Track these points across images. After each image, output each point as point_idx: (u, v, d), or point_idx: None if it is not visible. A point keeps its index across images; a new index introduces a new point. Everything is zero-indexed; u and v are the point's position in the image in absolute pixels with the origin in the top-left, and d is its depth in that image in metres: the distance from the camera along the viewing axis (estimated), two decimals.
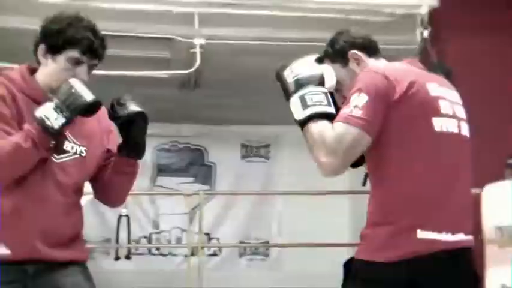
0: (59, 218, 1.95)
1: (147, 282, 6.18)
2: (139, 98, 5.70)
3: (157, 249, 6.60)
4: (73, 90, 1.86)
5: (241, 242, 6.67)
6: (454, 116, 1.86)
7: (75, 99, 1.86)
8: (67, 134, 1.96)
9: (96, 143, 2.04)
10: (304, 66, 1.88)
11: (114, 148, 2.07)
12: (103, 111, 2.00)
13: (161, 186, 6.71)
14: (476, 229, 3.27)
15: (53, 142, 1.90)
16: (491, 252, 3.20)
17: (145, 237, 6.61)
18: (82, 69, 1.94)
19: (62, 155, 1.96)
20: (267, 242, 6.70)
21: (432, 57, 3.46)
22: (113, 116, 1.98)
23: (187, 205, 5.54)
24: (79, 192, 2.06)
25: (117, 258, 6.44)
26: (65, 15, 1.97)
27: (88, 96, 1.87)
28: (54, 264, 1.95)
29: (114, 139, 2.09)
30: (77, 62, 1.94)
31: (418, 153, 1.78)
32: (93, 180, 2.09)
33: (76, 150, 1.99)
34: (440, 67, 3.34)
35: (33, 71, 2.01)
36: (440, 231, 1.75)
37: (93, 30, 1.96)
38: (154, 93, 5.66)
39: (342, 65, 1.96)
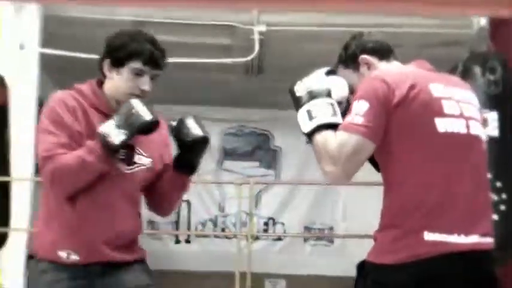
0: (123, 224, 2.09)
1: (211, 264, 6.31)
2: (205, 84, 5.84)
3: (223, 230, 6.73)
4: (133, 110, 1.99)
5: (306, 227, 6.69)
6: (461, 116, 1.82)
7: (135, 119, 1.98)
8: (136, 146, 2.09)
9: (158, 154, 2.18)
10: (313, 80, 1.91)
11: (170, 162, 2.20)
12: (162, 124, 2.13)
13: (227, 170, 6.82)
14: None
15: (122, 155, 2.04)
16: None
17: (210, 220, 6.75)
18: (145, 80, 2.07)
19: (131, 166, 2.09)
20: (332, 228, 6.69)
21: (489, 47, 3.33)
22: (175, 136, 2.11)
23: (250, 190, 5.61)
24: (140, 200, 2.21)
25: (177, 241, 6.62)
26: (126, 30, 2.14)
27: (147, 116, 1.99)
28: (116, 264, 2.09)
29: (171, 153, 2.22)
30: (139, 73, 2.06)
31: (422, 156, 1.77)
32: (147, 190, 2.21)
33: (144, 161, 2.12)
34: (496, 59, 3.22)
35: (101, 84, 2.14)
36: (449, 232, 1.73)
37: (154, 42, 2.08)
38: (220, 78, 5.77)
39: (354, 69, 1.99)
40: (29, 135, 4.34)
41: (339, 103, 1.91)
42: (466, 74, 3.01)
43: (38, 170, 2.16)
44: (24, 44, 4.39)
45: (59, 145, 1.99)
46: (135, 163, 2.09)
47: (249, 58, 4.61)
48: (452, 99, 1.83)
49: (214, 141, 6.88)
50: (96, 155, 1.97)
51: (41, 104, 5.20)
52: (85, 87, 2.12)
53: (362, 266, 1.84)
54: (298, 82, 1.93)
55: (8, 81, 4.04)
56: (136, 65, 2.05)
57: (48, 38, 4.53)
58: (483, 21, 3.86)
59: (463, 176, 1.79)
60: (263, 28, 4.48)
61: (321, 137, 1.82)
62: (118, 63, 2.06)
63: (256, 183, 6.15)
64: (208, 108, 6.55)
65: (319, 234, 6.73)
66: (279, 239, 6.74)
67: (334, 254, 6.59)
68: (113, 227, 2.06)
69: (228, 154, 6.87)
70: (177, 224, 6.64)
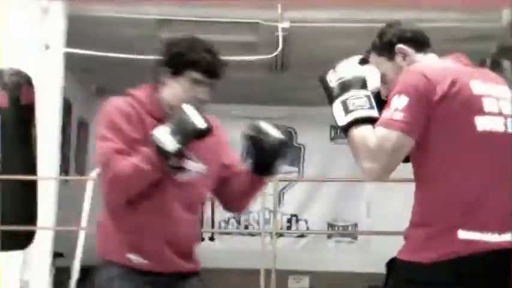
0: (182, 233, 2.10)
1: (235, 261, 6.32)
2: (230, 81, 5.83)
3: (246, 228, 6.73)
4: (186, 117, 1.99)
5: (329, 224, 6.67)
6: (499, 114, 1.78)
7: (188, 126, 1.99)
8: (190, 153, 2.10)
9: (213, 158, 2.17)
10: (346, 69, 1.84)
11: (231, 161, 2.21)
12: (216, 127, 2.14)
13: None
14: None
15: (175, 163, 2.05)
16: None
17: (233, 217, 6.75)
18: (203, 89, 2.07)
19: (185, 174, 2.10)
20: (355, 225, 6.66)
21: None
22: (254, 143, 2.10)
23: (274, 187, 5.61)
24: (200, 208, 2.23)
25: (201, 239, 6.63)
26: (184, 38, 2.14)
27: (200, 123, 1.99)
28: (179, 275, 2.11)
29: (229, 151, 2.23)
30: (198, 83, 2.06)
31: (459, 154, 1.73)
32: (217, 193, 2.23)
33: (197, 168, 2.12)
34: None
35: (155, 89, 2.14)
36: (483, 231, 1.70)
37: (212, 51, 2.09)
38: (244, 76, 5.75)
39: (388, 58, 1.91)
40: (54, 135, 4.37)
41: (372, 94, 1.83)
42: (494, 69, 2.97)
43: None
44: (49, 44, 4.42)
45: (116, 151, 2.00)
46: (188, 170, 2.09)
47: (273, 55, 4.59)
48: (491, 97, 1.79)
49: (238, 139, 6.86)
50: (151, 163, 1.97)
51: (67, 103, 5.24)
52: (141, 93, 2.13)
53: (392, 264, 1.80)
54: (331, 71, 1.85)
55: (35, 80, 4.07)
56: (195, 74, 2.05)
57: (73, 37, 4.56)
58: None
59: (499, 175, 1.76)
60: (287, 25, 4.46)
61: (358, 131, 1.76)
62: (176, 72, 2.07)
63: (280, 180, 6.15)
64: (232, 106, 6.55)
65: (342, 231, 6.71)
66: (302, 235, 6.73)
67: (358, 251, 6.57)
68: (175, 234, 2.07)
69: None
70: (201, 222, 6.66)
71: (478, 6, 3.60)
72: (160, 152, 1.97)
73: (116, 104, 2.11)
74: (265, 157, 2.11)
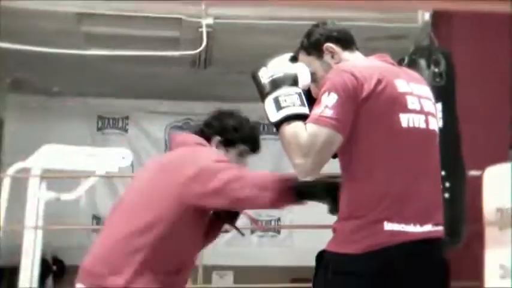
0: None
1: None
2: (151, 77, 5.75)
3: None
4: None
5: (253, 219, 6.73)
6: (421, 111, 1.87)
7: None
8: None
9: None
10: (278, 66, 1.89)
11: None
12: None
13: None
14: (478, 211, 3.28)
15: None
16: (491, 234, 3.21)
17: None
18: (247, 160, 2.33)
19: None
20: (278, 219, 6.75)
21: (432, 40, 3.43)
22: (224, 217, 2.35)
23: None
24: None
25: None
26: (235, 112, 2.38)
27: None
28: None
29: None
30: (244, 155, 2.32)
31: (384, 149, 1.80)
32: None
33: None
34: (440, 52, 3.33)
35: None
36: (407, 223, 1.78)
37: (257, 129, 2.40)
38: (167, 71, 5.73)
39: (317, 57, 1.97)
40: None
41: (303, 91, 1.88)
42: (412, 67, 3.09)
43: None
44: None
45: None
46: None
47: (197, 51, 4.58)
48: (414, 95, 1.86)
49: (161, 135, 6.83)
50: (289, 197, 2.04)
51: None
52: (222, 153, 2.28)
53: (321, 256, 1.85)
54: (263, 68, 1.88)
55: None
56: (245, 149, 2.31)
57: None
58: (427, 16, 3.97)
59: (423, 169, 1.84)
60: (210, 21, 4.47)
61: (290, 128, 1.80)
62: (230, 143, 2.30)
63: None
64: (153, 101, 6.50)
65: (265, 226, 6.78)
66: (226, 231, 6.75)
67: (280, 245, 6.66)
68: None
69: None
70: None
71: (396, 8, 3.73)
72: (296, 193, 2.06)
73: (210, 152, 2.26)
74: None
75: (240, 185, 2.02)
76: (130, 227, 2.08)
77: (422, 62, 3.26)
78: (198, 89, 6.30)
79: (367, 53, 2.02)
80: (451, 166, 3.19)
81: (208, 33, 4.44)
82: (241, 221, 7.32)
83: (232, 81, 5.81)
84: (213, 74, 5.70)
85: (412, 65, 3.19)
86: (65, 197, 4.20)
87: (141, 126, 6.77)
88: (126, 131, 6.77)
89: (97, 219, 6.45)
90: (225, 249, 6.51)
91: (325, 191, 2.00)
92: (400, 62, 3.37)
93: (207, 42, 4.47)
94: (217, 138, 2.30)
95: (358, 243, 1.76)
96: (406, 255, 1.77)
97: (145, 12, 4.54)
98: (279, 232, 6.78)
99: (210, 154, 2.20)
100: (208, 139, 2.29)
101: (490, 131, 3.74)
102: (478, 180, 3.31)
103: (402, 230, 1.77)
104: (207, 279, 6.36)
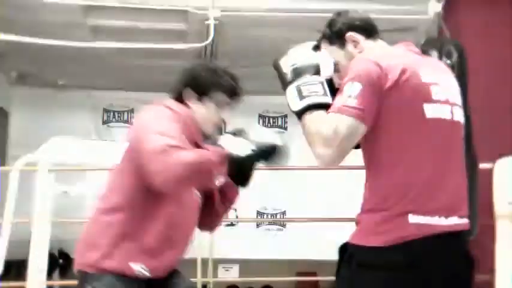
0: (188, 238, 2.21)
1: None
2: (157, 69, 5.73)
3: None
4: (261, 133, 2.10)
5: (258, 212, 6.72)
6: (446, 102, 1.84)
7: (267, 142, 2.07)
8: None
9: None
10: (300, 55, 1.87)
11: None
12: None
13: None
14: (489, 204, 3.26)
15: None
16: (502, 227, 3.19)
17: None
18: (228, 111, 2.23)
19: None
20: (284, 212, 6.74)
21: (444, 33, 3.41)
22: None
23: None
24: None
25: None
26: (207, 64, 2.31)
27: (278, 142, 2.08)
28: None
29: None
30: (223, 105, 2.22)
31: (409, 140, 1.78)
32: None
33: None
34: (452, 44, 3.31)
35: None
36: (432, 215, 1.76)
37: (234, 76, 2.26)
38: (172, 64, 5.69)
39: (339, 46, 1.95)
40: None
41: (325, 80, 1.86)
42: None
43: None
44: None
45: (175, 138, 1.97)
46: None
47: (203, 44, 4.56)
48: (439, 85, 1.84)
49: None
50: (221, 159, 1.97)
51: None
52: (176, 105, 2.17)
53: (344, 249, 1.83)
54: (285, 56, 1.87)
55: None
56: (223, 98, 2.21)
57: None
58: (438, 7, 3.94)
59: (448, 161, 1.82)
60: (218, 13, 4.44)
61: (312, 117, 1.79)
62: (204, 94, 2.19)
63: None
64: (160, 94, 6.46)
65: (271, 219, 6.77)
66: (231, 224, 6.75)
67: (286, 238, 6.65)
68: (183, 247, 2.16)
69: None
70: None
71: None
72: (231, 156, 1.99)
73: (157, 110, 2.14)
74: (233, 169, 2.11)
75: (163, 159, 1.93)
76: (104, 204, 2.13)
77: (434, 54, 3.23)
78: None
79: (399, 43, 1.98)
80: (465, 158, 3.17)
81: (214, 25, 4.42)
82: (247, 215, 7.28)
83: (240, 74, 5.79)
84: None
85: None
86: (73, 190, 4.19)
87: None
88: (131, 124, 6.76)
89: None
90: (231, 242, 6.51)
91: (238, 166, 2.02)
92: None
93: (214, 35, 4.45)
94: (190, 91, 2.20)
95: (383, 235, 1.74)
96: (432, 248, 1.75)
97: (152, 5, 4.51)
98: (284, 225, 6.77)
99: (155, 118, 2.10)
100: (183, 96, 2.20)
101: (501, 122, 3.71)
102: (489, 172, 3.29)
103: (427, 222, 1.75)
104: (214, 273, 6.37)
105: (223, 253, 6.27)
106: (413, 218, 1.74)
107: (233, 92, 2.22)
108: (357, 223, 1.84)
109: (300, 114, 1.82)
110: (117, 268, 2.03)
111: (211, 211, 2.28)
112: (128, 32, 4.81)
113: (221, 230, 6.92)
